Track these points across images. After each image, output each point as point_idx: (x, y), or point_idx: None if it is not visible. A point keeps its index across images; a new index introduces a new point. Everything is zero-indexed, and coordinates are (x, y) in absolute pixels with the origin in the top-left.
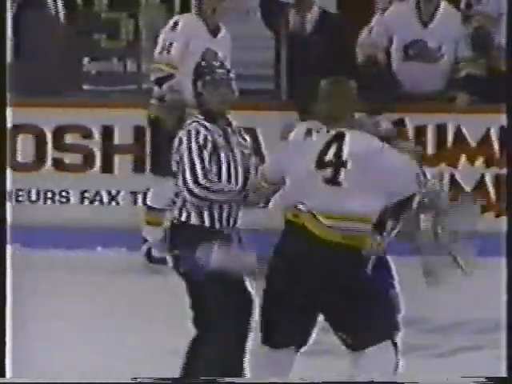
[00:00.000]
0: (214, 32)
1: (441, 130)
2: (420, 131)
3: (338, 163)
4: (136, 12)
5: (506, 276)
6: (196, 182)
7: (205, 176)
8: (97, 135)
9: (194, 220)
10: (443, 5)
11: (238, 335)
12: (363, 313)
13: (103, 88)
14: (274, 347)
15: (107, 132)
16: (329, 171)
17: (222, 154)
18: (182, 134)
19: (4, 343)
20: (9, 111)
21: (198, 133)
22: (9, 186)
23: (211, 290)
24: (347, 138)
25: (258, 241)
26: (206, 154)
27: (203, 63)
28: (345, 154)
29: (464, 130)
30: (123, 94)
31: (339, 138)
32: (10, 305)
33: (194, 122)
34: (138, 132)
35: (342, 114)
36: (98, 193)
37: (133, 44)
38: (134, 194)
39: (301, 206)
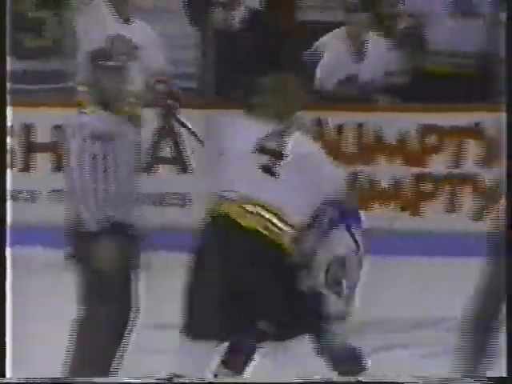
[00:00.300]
0: (127, 20)
1: (361, 129)
2: (341, 130)
3: (279, 153)
4: (62, 10)
5: (506, 275)
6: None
7: (81, 174)
8: (18, 134)
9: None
10: (371, 37)
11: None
12: (283, 305)
13: (27, 86)
14: (197, 339)
15: (28, 130)
16: (266, 158)
17: (110, 145)
18: (71, 126)
19: (4, 343)
20: None
21: (82, 127)
22: None
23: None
24: (293, 136)
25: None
26: (87, 152)
27: (101, 48)
28: (287, 148)
29: (384, 130)
30: (47, 93)
31: (284, 132)
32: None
33: (82, 112)
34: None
35: (290, 110)
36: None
37: (58, 43)
38: (55, 192)
39: (227, 194)
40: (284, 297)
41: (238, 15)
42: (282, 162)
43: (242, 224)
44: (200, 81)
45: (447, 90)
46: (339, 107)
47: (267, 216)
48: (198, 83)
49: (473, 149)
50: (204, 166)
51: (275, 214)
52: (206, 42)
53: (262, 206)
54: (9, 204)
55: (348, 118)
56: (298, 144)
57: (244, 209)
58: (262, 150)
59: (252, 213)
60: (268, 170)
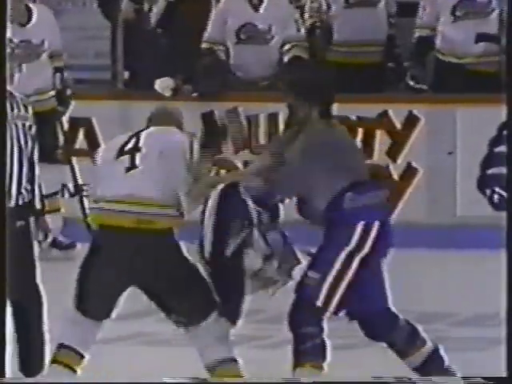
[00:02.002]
0: (25, 24)
1: (273, 119)
2: (252, 120)
3: (135, 149)
4: None
5: (506, 271)
6: None
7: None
8: None
9: None
10: None
11: None
12: (185, 293)
13: None
14: (85, 316)
15: None
16: (126, 158)
17: None
18: None
19: (4, 343)
20: None
21: None
22: None
23: None
24: (146, 131)
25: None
26: None
27: None
28: (141, 142)
29: None
30: None
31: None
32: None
33: None
34: None
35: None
36: None
37: None
38: None
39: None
40: (180, 286)
41: (157, 8)
42: (138, 155)
43: (107, 223)
44: (112, 72)
45: (354, 80)
46: (251, 98)
47: (137, 210)
48: (110, 75)
49: (380, 140)
50: None
51: (148, 205)
52: (116, 34)
53: (136, 203)
54: None
55: (260, 108)
56: (150, 134)
57: (109, 209)
58: (120, 154)
59: (122, 211)
60: (129, 167)
